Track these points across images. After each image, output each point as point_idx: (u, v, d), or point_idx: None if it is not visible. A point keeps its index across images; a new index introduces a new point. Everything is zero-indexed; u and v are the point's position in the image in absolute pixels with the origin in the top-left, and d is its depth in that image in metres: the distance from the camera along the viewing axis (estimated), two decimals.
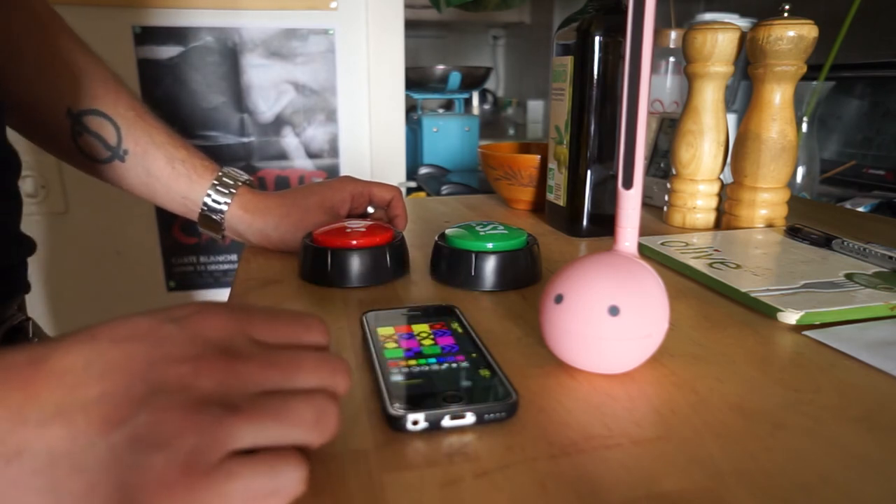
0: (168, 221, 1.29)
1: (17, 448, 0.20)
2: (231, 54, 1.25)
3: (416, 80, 1.71)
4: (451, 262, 0.48)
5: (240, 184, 0.54)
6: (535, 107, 2.37)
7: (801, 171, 1.10)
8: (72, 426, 0.21)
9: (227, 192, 0.53)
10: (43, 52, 0.50)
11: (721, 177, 0.67)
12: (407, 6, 1.33)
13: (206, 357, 0.23)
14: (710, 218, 0.67)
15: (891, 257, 0.49)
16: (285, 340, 0.26)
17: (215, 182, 0.54)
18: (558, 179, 0.64)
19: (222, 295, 1.38)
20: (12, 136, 0.49)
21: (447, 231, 0.50)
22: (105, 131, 0.52)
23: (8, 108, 0.49)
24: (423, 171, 1.54)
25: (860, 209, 1.06)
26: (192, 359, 0.23)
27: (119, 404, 0.21)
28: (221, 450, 0.22)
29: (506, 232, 0.49)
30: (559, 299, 0.32)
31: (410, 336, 0.36)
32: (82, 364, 0.22)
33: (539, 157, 0.70)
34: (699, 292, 0.47)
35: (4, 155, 0.45)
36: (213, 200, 0.53)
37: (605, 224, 0.62)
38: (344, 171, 1.37)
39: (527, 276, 0.48)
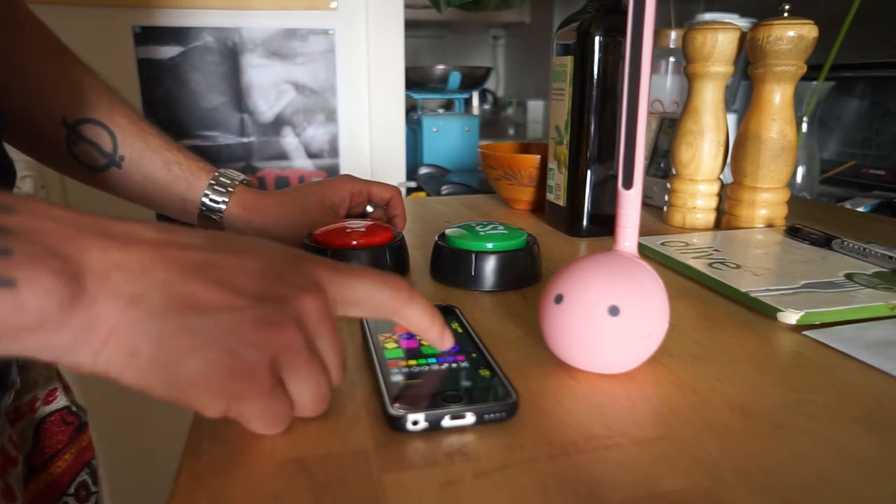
0: (168, 222, 1.29)
1: (140, 293, 0.23)
2: (231, 54, 1.25)
3: (416, 80, 1.71)
4: (451, 262, 0.48)
5: (237, 183, 0.54)
6: (535, 107, 2.37)
7: (801, 171, 1.10)
8: (190, 294, 0.23)
9: (224, 191, 0.54)
10: (42, 68, 0.51)
11: (721, 177, 0.67)
12: (407, 6, 1.33)
13: (308, 289, 0.26)
14: (710, 218, 0.67)
15: (891, 257, 0.49)
16: (360, 302, 0.28)
17: (212, 182, 0.54)
18: (558, 179, 0.64)
19: None
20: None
21: (447, 231, 0.50)
22: (100, 139, 0.52)
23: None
24: (423, 171, 1.54)
25: (860, 209, 1.06)
26: (297, 286, 0.26)
27: (234, 293, 0.24)
28: (284, 371, 0.25)
29: (506, 232, 0.49)
30: (559, 299, 0.32)
31: (410, 336, 0.36)
32: (207, 249, 0.25)
33: (539, 157, 0.70)
34: (699, 292, 0.47)
35: (3, 164, 0.45)
36: (211, 200, 0.54)
37: (605, 224, 0.62)
38: (344, 171, 1.37)
39: (527, 276, 0.48)
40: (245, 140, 1.30)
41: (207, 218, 0.54)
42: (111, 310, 0.22)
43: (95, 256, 0.23)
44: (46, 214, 0.23)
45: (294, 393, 0.26)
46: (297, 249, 0.29)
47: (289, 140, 1.33)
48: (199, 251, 0.25)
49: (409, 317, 0.29)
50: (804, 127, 1.07)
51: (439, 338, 0.30)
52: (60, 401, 0.51)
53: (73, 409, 0.53)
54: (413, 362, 0.33)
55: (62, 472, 0.50)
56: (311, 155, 1.34)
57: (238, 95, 1.27)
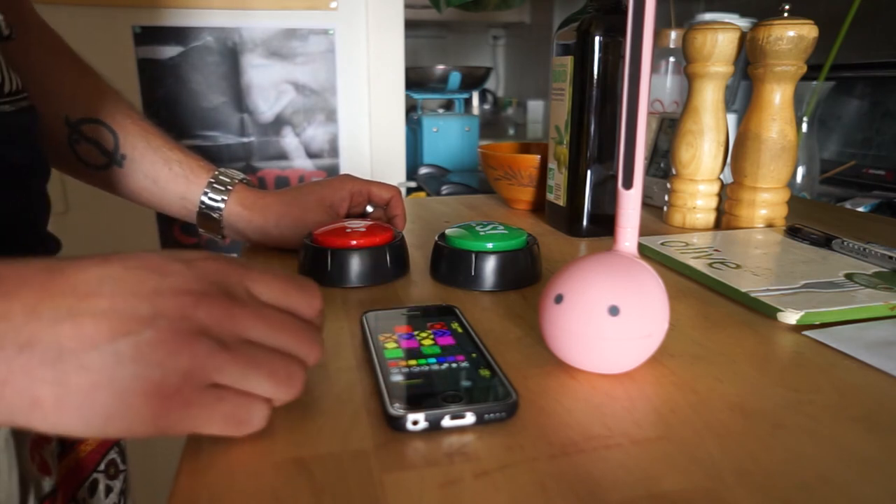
0: (168, 222, 1.29)
1: (29, 339, 0.22)
2: (231, 54, 1.25)
3: (416, 80, 1.71)
4: (451, 262, 0.48)
5: (236, 181, 0.55)
6: (535, 107, 2.37)
7: (801, 171, 1.10)
8: (81, 328, 0.23)
9: (223, 189, 0.54)
10: (47, 69, 0.51)
11: (721, 177, 0.67)
12: (407, 6, 1.33)
13: (208, 294, 0.25)
14: (710, 218, 0.67)
15: (891, 257, 0.49)
16: (278, 300, 0.28)
17: (212, 180, 0.54)
18: (558, 179, 0.64)
19: None
20: None
21: (447, 231, 0.50)
22: (102, 138, 0.52)
23: None
24: (423, 171, 1.54)
25: (860, 209, 1.06)
26: (195, 293, 0.25)
27: (126, 319, 0.23)
28: (209, 378, 0.25)
29: (506, 232, 0.49)
30: (559, 299, 0.32)
31: (410, 336, 0.36)
32: (95, 279, 0.24)
33: (539, 157, 0.70)
34: (699, 292, 0.47)
35: (36, 159, 0.46)
36: (210, 198, 0.54)
37: (605, 224, 0.62)
38: (344, 171, 1.37)
39: (527, 276, 0.48)
40: (245, 140, 1.30)
41: (207, 217, 0.54)
42: None
43: None
44: None
45: (247, 389, 0.26)
46: (196, 254, 0.27)
47: (289, 140, 1.33)
48: (87, 283, 0.24)
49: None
50: (804, 127, 1.07)
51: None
52: None
53: None
54: (413, 362, 0.33)
55: (92, 450, 0.51)
56: (311, 155, 1.34)
57: (238, 95, 1.27)
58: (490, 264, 0.47)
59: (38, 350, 0.22)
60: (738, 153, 0.64)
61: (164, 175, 0.54)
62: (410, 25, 1.45)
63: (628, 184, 0.33)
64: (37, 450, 0.42)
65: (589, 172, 0.60)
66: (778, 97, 0.60)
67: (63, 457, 0.48)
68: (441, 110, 1.89)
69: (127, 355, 0.23)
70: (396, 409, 0.28)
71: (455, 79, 1.71)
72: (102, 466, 0.52)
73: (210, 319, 0.25)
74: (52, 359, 0.22)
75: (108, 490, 0.52)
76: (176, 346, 0.24)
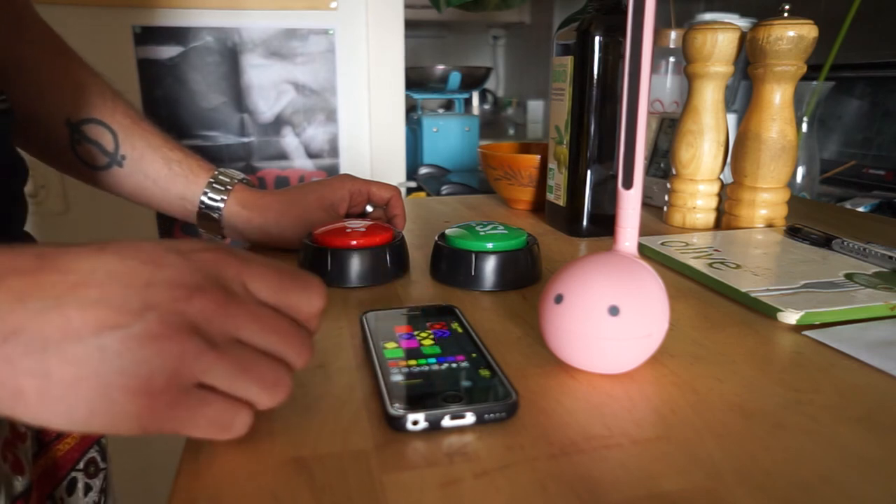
0: (168, 222, 1.29)
1: (14, 328, 0.22)
2: (231, 54, 1.25)
3: (416, 80, 1.71)
4: (451, 262, 0.48)
5: (236, 181, 0.55)
6: (535, 107, 2.37)
7: (801, 171, 1.10)
8: (67, 319, 0.22)
9: (223, 189, 0.54)
10: (46, 69, 0.51)
11: (721, 177, 0.67)
12: (407, 6, 1.33)
13: (202, 288, 0.24)
14: (710, 218, 0.67)
15: (891, 257, 0.49)
16: (276, 298, 0.27)
17: (211, 180, 0.54)
18: (558, 179, 0.64)
19: None
20: None
21: (447, 231, 0.50)
22: (103, 138, 0.52)
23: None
24: (423, 171, 1.54)
25: (860, 209, 1.06)
26: (188, 286, 0.24)
27: (115, 311, 0.23)
28: (196, 379, 0.24)
29: (506, 232, 0.49)
30: (559, 299, 0.32)
31: (410, 336, 0.36)
32: (88, 268, 0.23)
33: (539, 157, 0.70)
34: (699, 292, 0.47)
35: (12, 161, 0.46)
36: (210, 198, 0.54)
37: (605, 224, 0.62)
38: (344, 171, 1.37)
39: (527, 276, 0.48)
40: (245, 140, 1.30)
41: (206, 217, 0.54)
42: None
43: None
44: None
45: (233, 392, 0.25)
46: (195, 244, 0.26)
47: (289, 140, 1.33)
48: (79, 272, 0.23)
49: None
50: (804, 127, 1.07)
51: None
52: None
53: None
54: (413, 362, 0.33)
55: (71, 448, 0.51)
56: (311, 155, 1.34)
57: (238, 95, 1.27)
58: (490, 264, 0.47)
59: (22, 340, 0.21)
60: (738, 153, 0.64)
61: (164, 175, 0.54)
62: (410, 25, 1.45)
63: (628, 184, 0.33)
64: (9, 449, 0.41)
65: (589, 172, 0.60)
66: (778, 97, 0.60)
67: (39, 456, 0.47)
68: (441, 110, 1.89)
69: (112, 349, 0.22)
70: (396, 409, 0.28)
71: (455, 79, 1.71)
72: (81, 465, 0.52)
73: (202, 315, 0.24)
74: (36, 349, 0.22)
75: (88, 489, 0.52)
76: (164, 344, 0.23)
